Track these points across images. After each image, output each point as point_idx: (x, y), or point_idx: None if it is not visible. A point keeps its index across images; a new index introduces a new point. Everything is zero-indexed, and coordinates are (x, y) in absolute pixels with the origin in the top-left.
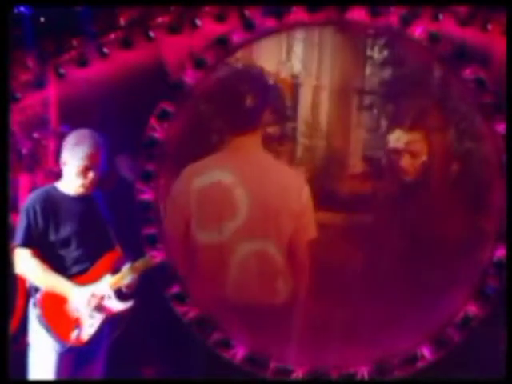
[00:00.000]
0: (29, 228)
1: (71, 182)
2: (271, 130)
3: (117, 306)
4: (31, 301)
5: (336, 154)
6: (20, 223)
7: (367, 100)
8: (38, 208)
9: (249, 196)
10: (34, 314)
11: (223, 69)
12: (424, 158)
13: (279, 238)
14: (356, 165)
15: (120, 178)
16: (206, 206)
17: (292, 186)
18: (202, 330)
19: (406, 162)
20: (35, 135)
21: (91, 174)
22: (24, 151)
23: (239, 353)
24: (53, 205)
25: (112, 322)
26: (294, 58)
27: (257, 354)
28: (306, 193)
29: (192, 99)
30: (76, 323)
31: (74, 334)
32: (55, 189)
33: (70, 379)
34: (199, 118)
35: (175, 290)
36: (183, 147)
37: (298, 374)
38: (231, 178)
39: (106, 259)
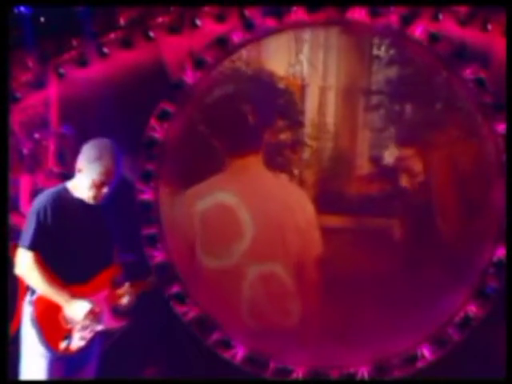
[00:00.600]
0: (38, 230)
1: (83, 190)
2: (283, 136)
3: (111, 322)
4: (27, 299)
5: (343, 155)
6: (29, 224)
7: (374, 100)
8: (49, 210)
9: (253, 217)
10: (27, 313)
11: (228, 86)
12: (421, 177)
13: (286, 257)
14: (363, 166)
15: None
16: (211, 229)
17: (296, 205)
18: (202, 330)
19: (404, 181)
20: (36, 136)
21: (105, 189)
22: (25, 152)
23: (239, 353)
24: (64, 208)
25: (103, 335)
26: (303, 59)
27: (257, 354)
28: (309, 210)
29: (192, 99)
30: (67, 333)
31: (63, 344)
32: (66, 191)
33: (66, 380)
34: (200, 138)
35: (175, 289)
36: (183, 147)
37: (298, 374)
38: (234, 199)
39: (106, 274)
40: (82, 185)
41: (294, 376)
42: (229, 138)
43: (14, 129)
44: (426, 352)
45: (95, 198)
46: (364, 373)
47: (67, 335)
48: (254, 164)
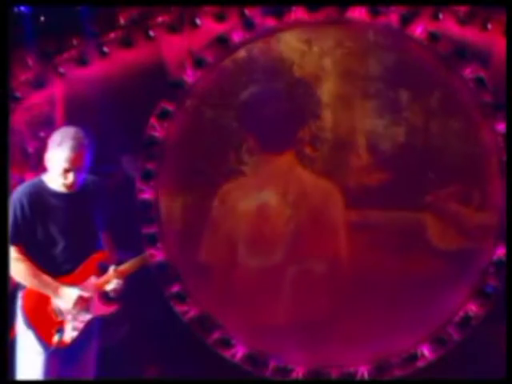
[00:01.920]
0: (15, 224)
1: (54, 179)
2: (301, 133)
3: (101, 309)
4: (18, 296)
5: (343, 145)
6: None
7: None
8: (24, 203)
9: (295, 215)
10: (18, 308)
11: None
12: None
13: (326, 254)
14: (362, 156)
15: (120, 176)
16: (256, 230)
17: (333, 204)
18: (202, 329)
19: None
20: (41, 134)
21: (71, 177)
22: (30, 150)
23: (239, 352)
24: (39, 200)
25: (100, 323)
26: (315, 48)
27: (257, 353)
28: (342, 209)
29: (192, 98)
30: (59, 326)
31: (56, 338)
32: (42, 182)
33: (66, 379)
34: (229, 134)
35: (175, 289)
36: (183, 146)
37: (298, 373)
38: (277, 198)
39: (92, 260)
40: (52, 174)
41: (294, 375)
42: (265, 137)
43: (20, 128)
44: (426, 351)
45: (65, 185)
46: (364, 372)
47: (59, 328)
48: (289, 161)
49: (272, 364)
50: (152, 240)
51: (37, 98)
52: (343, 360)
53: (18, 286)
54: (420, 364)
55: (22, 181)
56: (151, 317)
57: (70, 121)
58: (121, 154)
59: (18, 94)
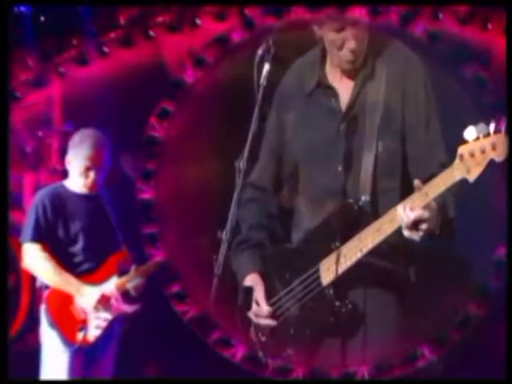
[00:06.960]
0: (38, 223)
1: (75, 181)
2: None
3: (123, 308)
4: (44, 297)
5: None
6: (29, 219)
7: None
8: (47, 203)
9: None
10: (42, 310)
11: None
12: None
13: None
14: None
15: (122, 176)
16: None
17: None
18: (202, 329)
19: None
20: (39, 133)
21: (92, 174)
22: (28, 149)
23: (239, 352)
24: (61, 201)
25: (120, 322)
26: None
27: (256, 353)
28: None
29: (192, 98)
30: (82, 324)
31: (80, 335)
32: (63, 187)
33: (70, 379)
34: None
35: (175, 288)
36: (183, 146)
37: (298, 373)
38: None
39: (113, 260)
40: (74, 175)
41: (294, 375)
42: None
43: (18, 127)
44: (426, 351)
45: (86, 185)
46: (364, 372)
47: (82, 326)
48: None
49: (272, 364)
50: (152, 240)
51: (35, 98)
52: (343, 360)
53: (18, 285)
54: (420, 364)
55: (20, 180)
56: (151, 316)
57: (70, 120)
58: (120, 154)
59: (18, 94)
